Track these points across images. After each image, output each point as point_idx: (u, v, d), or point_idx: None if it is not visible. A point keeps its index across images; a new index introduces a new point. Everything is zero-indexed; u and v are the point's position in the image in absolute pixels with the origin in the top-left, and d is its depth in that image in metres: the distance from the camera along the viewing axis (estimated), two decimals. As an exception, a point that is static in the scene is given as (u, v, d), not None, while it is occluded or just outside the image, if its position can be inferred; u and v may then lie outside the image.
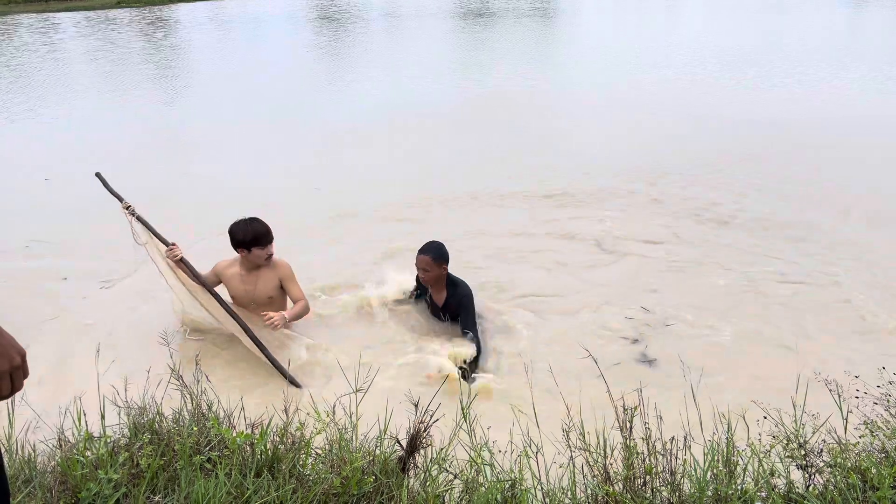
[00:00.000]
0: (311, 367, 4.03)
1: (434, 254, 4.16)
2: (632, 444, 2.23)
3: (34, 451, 2.41)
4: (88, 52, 19.16)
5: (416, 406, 2.40)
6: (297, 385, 3.80)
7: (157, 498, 2.15)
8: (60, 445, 2.42)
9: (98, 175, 4.11)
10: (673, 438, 2.21)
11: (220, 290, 4.26)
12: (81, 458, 2.25)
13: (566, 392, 2.57)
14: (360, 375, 2.61)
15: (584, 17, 26.89)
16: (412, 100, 12.04)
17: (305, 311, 4.24)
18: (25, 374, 1.32)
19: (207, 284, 4.12)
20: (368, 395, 2.58)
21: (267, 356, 3.90)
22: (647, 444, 2.23)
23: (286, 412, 2.58)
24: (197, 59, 18.52)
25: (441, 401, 2.57)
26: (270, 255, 4.13)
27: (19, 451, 2.41)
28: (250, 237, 4.03)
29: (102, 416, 2.46)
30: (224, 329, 4.16)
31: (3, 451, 2.30)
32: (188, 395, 2.73)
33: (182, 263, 4.08)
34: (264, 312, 4.02)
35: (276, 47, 20.63)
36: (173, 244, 4.09)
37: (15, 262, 5.59)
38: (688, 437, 2.23)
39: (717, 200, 6.59)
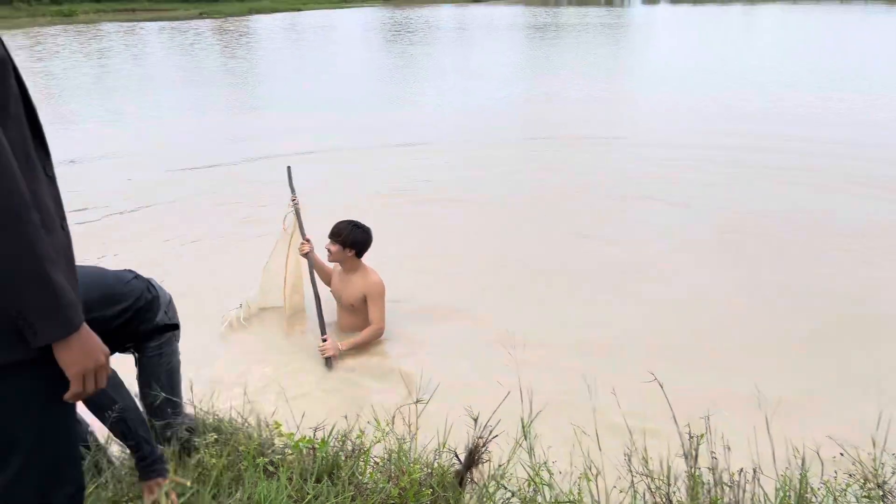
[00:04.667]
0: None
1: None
2: (697, 474, 2.16)
3: (107, 442, 2.51)
4: (168, 56, 20.03)
5: (476, 421, 2.39)
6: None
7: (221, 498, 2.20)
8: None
9: (288, 168, 4.68)
10: (742, 470, 2.14)
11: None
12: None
13: (629, 415, 2.51)
14: (422, 386, 2.61)
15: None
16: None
17: (372, 338, 4.26)
18: (108, 373, 1.38)
19: (316, 287, 4.38)
20: (428, 406, 2.59)
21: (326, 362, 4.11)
22: (714, 474, 2.16)
23: (346, 418, 2.62)
24: (270, 64, 19.14)
25: (501, 417, 2.55)
26: (328, 251, 4.23)
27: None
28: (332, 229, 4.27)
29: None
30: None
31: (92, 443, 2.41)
32: (252, 396, 2.80)
33: (307, 258, 4.44)
34: (324, 337, 4.13)
35: (344, 54, 21.19)
36: (308, 239, 4.43)
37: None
38: (757, 470, 2.14)
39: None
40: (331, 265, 4.48)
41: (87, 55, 20.57)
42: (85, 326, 1.34)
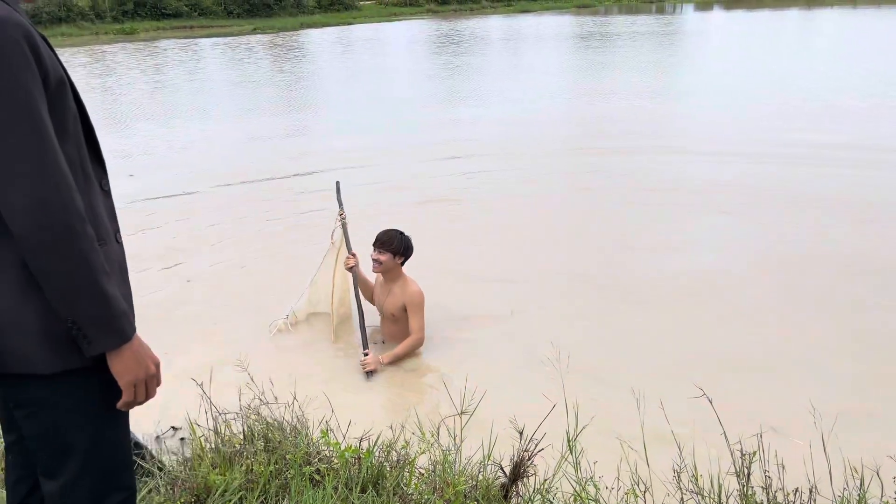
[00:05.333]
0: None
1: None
2: (749, 493, 2.10)
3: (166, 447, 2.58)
4: (219, 70, 20.61)
5: (521, 434, 2.37)
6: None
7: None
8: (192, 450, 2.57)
9: (337, 183, 4.71)
10: (797, 490, 2.06)
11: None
12: (207, 460, 2.38)
13: (678, 430, 2.45)
14: (466, 398, 2.60)
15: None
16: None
17: (412, 348, 4.27)
18: (158, 383, 1.42)
19: (360, 300, 4.40)
20: (472, 418, 2.58)
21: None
22: (767, 493, 2.09)
23: (391, 428, 2.63)
24: (315, 76, 19.52)
25: (546, 430, 2.52)
26: (377, 261, 4.24)
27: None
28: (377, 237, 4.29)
29: (225, 425, 2.59)
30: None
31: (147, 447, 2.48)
32: (298, 405, 2.83)
33: (351, 272, 4.45)
34: (366, 351, 4.14)
35: (389, 66, 21.48)
36: (353, 254, 4.45)
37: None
38: (813, 491, 2.07)
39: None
40: (372, 280, 4.51)
41: (143, 71, 21.32)
42: (137, 336, 1.38)
